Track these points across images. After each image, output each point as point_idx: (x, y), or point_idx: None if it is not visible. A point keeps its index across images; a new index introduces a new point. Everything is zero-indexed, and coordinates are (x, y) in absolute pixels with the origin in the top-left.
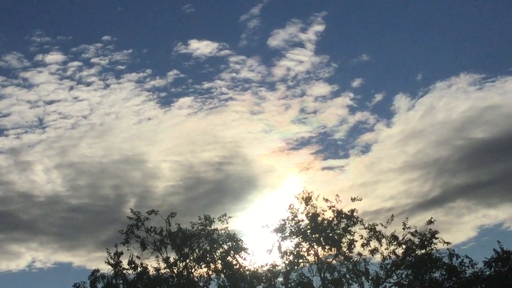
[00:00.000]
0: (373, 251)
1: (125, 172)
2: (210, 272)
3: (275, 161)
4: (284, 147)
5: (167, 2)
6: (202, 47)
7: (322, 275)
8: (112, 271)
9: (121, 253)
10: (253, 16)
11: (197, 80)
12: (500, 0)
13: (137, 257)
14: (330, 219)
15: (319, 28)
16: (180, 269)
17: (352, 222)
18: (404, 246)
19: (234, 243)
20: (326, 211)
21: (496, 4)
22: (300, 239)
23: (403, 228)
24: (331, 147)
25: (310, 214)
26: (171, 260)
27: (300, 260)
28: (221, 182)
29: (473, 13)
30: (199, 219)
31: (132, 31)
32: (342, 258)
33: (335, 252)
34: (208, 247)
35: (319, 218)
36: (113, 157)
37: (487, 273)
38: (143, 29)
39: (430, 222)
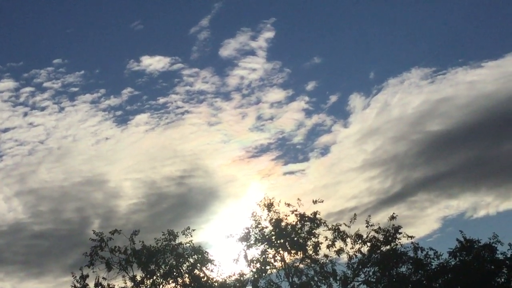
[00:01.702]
0: (339, 252)
1: (87, 194)
2: (178, 287)
3: (236, 170)
4: (244, 155)
5: (116, 21)
6: (154, 63)
7: (291, 280)
8: None
9: (87, 276)
10: (202, 28)
11: (152, 96)
12: None
13: (104, 278)
14: (294, 223)
15: (269, 34)
16: (148, 286)
17: (315, 225)
18: (369, 244)
19: (200, 256)
20: (289, 216)
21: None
22: (266, 246)
23: (367, 226)
24: (290, 151)
25: (273, 220)
26: (138, 278)
27: (267, 267)
28: (183, 195)
29: (419, 8)
30: (163, 235)
31: (83, 52)
32: (309, 261)
33: (302, 255)
34: (174, 262)
35: (283, 223)
36: (73, 180)
37: (453, 263)
38: (94, 49)
39: (392, 217)
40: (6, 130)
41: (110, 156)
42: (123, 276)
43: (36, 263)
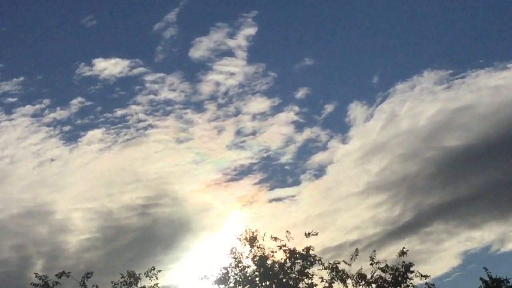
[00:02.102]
0: None
1: (28, 228)
2: None
3: (212, 197)
4: (221, 178)
5: (63, 16)
6: (110, 67)
7: None
8: None
9: None
10: (169, 24)
11: (108, 108)
12: None
13: None
14: (282, 261)
15: (250, 31)
16: None
17: (308, 263)
18: (374, 286)
19: None
20: (276, 252)
21: None
22: None
23: (371, 264)
24: (277, 173)
25: (257, 257)
26: None
27: None
28: (147, 228)
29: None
30: (122, 277)
31: (22, 55)
32: None
33: None
34: None
35: (269, 262)
36: (11, 211)
37: None
38: (35, 51)
39: (402, 253)
40: None
41: (56, 181)
42: None
43: None
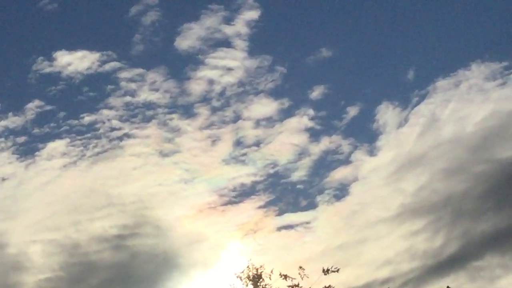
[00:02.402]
0: None
1: None
2: None
3: (205, 225)
4: (217, 201)
5: None
6: (75, 61)
7: None
8: None
9: None
10: (149, 7)
11: (73, 113)
12: None
13: None
14: None
15: (252, 15)
16: None
17: None
18: None
19: None
20: None
21: None
22: None
23: None
24: (287, 194)
25: None
26: None
27: None
28: (124, 265)
29: None
30: None
31: None
32: None
33: None
34: None
35: None
36: None
37: None
38: None
39: None
40: None
41: (8, 206)
42: None
43: None
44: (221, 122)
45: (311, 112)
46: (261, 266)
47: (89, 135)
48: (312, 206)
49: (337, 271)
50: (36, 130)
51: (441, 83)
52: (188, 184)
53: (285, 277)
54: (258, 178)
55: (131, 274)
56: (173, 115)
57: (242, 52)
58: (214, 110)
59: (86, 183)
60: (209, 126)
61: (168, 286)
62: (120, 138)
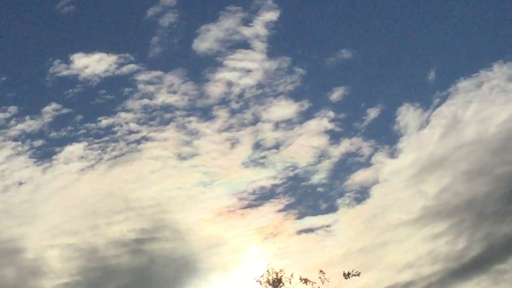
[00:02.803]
0: None
1: None
2: None
3: (224, 229)
4: (236, 205)
5: (33, 1)
6: (92, 64)
7: None
8: None
9: None
10: (167, 9)
11: (90, 116)
12: None
13: None
14: None
15: (271, 16)
16: None
17: None
18: None
19: None
20: None
21: None
22: None
23: None
24: (307, 198)
25: None
26: None
27: None
28: (142, 269)
29: None
30: None
31: None
32: None
33: None
34: None
35: None
36: None
37: None
38: None
39: None
40: None
41: (26, 210)
42: None
43: None
44: (240, 124)
45: (331, 114)
46: (281, 270)
47: (106, 138)
48: (332, 209)
49: (358, 275)
50: (53, 134)
51: (463, 84)
52: (207, 188)
53: (306, 281)
54: (277, 181)
55: (149, 279)
56: (192, 118)
57: (261, 54)
58: (233, 112)
59: (104, 187)
60: (228, 128)
61: None
62: (138, 141)
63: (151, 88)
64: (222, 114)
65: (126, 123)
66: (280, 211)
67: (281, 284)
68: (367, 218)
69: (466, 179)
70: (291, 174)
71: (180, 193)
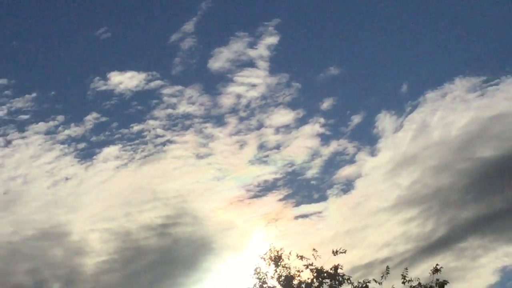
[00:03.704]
0: None
1: (42, 251)
2: None
3: (235, 215)
4: (244, 195)
5: (76, 28)
6: (125, 80)
7: None
8: None
9: None
10: (186, 34)
11: (124, 123)
12: None
13: None
14: (309, 281)
15: (272, 40)
16: None
17: (337, 282)
18: None
19: None
20: (302, 271)
21: None
22: None
23: (403, 282)
24: (303, 189)
25: (283, 277)
26: None
27: None
28: (167, 249)
29: (464, 4)
30: None
31: (34, 70)
32: None
33: None
34: None
35: (295, 282)
36: (25, 233)
37: None
38: (48, 65)
39: (436, 270)
40: None
41: (71, 201)
42: None
43: None
44: (247, 129)
45: (321, 120)
46: (281, 249)
47: (137, 141)
48: (323, 198)
49: (345, 252)
50: (93, 138)
51: (430, 95)
52: (220, 181)
53: (301, 257)
54: (278, 176)
55: (173, 257)
56: (207, 124)
57: (264, 71)
58: (241, 119)
59: (135, 181)
60: (237, 132)
61: (204, 266)
62: (163, 144)
63: (173, 100)
64: (232, 121)
65: (154, 128)
66: (280, 200)
67: (281, 260)
68: (352, 205)
69: (433, 173)
70: (289, 169)
71: (198, 186)
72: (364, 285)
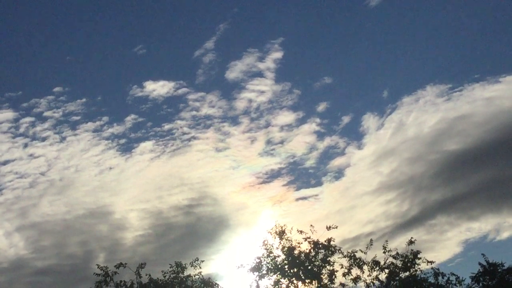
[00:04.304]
0: (356, 280)
1: (91, 227)
2: None
3: (247, 197)
4: (254, 181)
5: (118, 46)
6: (158, 88)
7: None
8: None
9: None
10: (207, 50)
11: (157, 123)
12: (457, 9)
13: None
14: (307, 251)
15: (277, 55)
16: None
17: (330, 252)
18: (387, 271)
19: None
20: (302, 243)
21: (454, 13)
22: (278, 275)
23: (384, 252)
24: (302, 176)
25: (286, 248)
26: None
27: None
28: (192, 225)
29: (433, 23)
30: (170, 267)
31: (84, 80)
32: None
33: (316, 285)
34: None
35: (296, 252)
36: (77, 212)
37: None
38: (95, 76)
39: (411, 242)
40: (5, 162)
41: (114, 186)
42: None
43: None
44: (257, 127)
45: (317, 120)
46: (284, 225)
47: (168, 138)
48: (319, 184)
49: (336, 227)
50: (132, 135)
51: (406, 99)
52: (235, 170)
53: (301, 232)
54: (282, 165)
55: (197, 232)
56: (225, 124)
57: (271, 80)
58: (252, 119)
59: (166, 170)
60: (249, 130)
61: (222, 239)
62: (189, 140)
63: (197, 104)
64: (245, 121)
65: (181, 127)
66: (284, 185)
67: (284, 234)
68: (342, 189)
69: (408, 163)
70: (291, 160)
71: (217, 174)
72: (352, 254)
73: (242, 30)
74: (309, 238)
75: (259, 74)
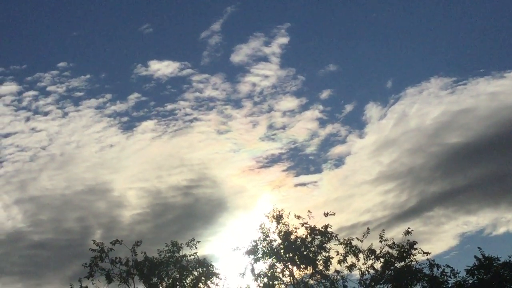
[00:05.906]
0: (351, 267)
1: (89, 203)
2: None
3: (246, 181)
4: (254, 165)
5: (124, 24)
6: (163, 68)
7: None
8: None
9: None
10: (214, 33)
11: (160, 102)
12: (467, 2)
13: None
14: (304, 236)
15: (283, 40)
16: None
17: (326, 238)
18: (382, 260)
19: (204, 269)
20: (298, 228)
21: (462, 7)
22: (274, 259)
23: (380, 241)
24: (302, 162)
25: (282, 232)
26: None
27: (275, 282)
28: (190, 206)
29: (440, 16)
30: (166, 246)
31: (89, 56)
32: (319, 276)
33: (311, 271)
34: (177, 275)
35: (292, 237)
36: (76, 188)
37: (470, 281)
38: (100, 53)
39: (407, 233)
40: (7, 135)
41: (114, 164)
42: None
43: (34, 274)
44: (259, 112)
45: (320, 107)
46: (282, 209)
47: (170, 118)
48: (318, 171)
49: (334, 214)
50: (134, 113)
51: (410, 90)
52: (235, 153)
53: (298, 217)
54: (283, 151)
55: (195, 213)
56: (227, 106)
57: (275, 65)
58: (255, 104)
59: (166, 150)
60: (251, 114)
61: (220, 222)
62: (191, 121)
63: (201, 85)
64: (248, 104)
65: (183, 108)
66: (284, 170)
67: (281, 218)
68: (342, 177)
69: (409, 154)
70: (292, 146)
71: (217, 156)
72: (348, 242)
73: (249, 14)
74: (306, 223)
75: (264, 59)
